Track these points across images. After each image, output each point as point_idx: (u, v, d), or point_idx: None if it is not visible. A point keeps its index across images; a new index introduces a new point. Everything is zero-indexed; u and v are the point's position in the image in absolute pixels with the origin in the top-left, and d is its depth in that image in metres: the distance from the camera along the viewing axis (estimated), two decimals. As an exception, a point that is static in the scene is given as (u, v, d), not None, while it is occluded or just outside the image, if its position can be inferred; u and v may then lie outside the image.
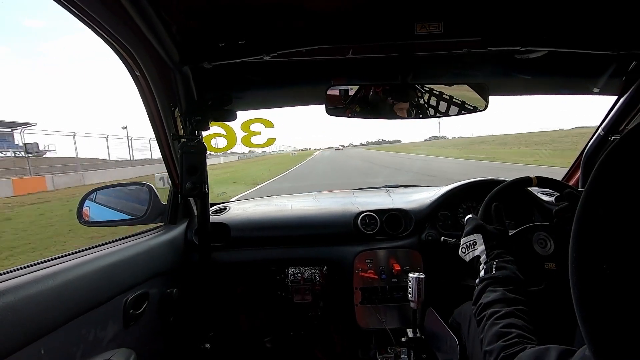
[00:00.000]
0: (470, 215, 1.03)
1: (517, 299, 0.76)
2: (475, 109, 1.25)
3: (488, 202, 1.08)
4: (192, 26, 1.05)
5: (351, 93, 1.26)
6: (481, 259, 0.90)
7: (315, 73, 1.38)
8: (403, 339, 1.41)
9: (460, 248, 0.99)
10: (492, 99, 1.27)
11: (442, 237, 1.39)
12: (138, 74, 1.06)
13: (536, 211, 1.45)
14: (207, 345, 1.38)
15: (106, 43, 0.92)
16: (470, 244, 0.95)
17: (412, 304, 1.31)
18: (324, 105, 1.26)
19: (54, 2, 0.72)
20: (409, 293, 1.31)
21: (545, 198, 1.50)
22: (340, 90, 1.26)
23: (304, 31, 1.09)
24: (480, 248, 0.91)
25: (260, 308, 1.75)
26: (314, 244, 1.51)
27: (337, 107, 1.27)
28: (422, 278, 1.29)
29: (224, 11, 1.01)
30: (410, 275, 1.31)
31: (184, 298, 1.33)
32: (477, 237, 0.93)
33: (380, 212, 1.52)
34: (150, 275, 1.16)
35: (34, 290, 0.72)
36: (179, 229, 1.42)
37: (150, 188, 1.37)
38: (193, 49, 1.09)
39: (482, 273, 0.87)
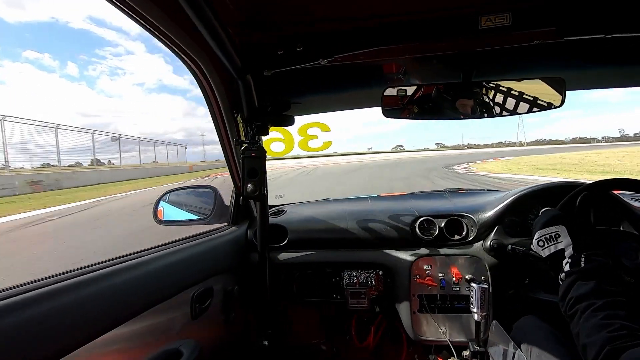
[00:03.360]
0: (547, 208, 0.94)
1: (613, 291, 0.69)
2: (549, 106, 1.14)
3: (574, 195, 0.97)
4: (253, 37, 1.11)
5: (409, 94, 1.23)
6: (566, 253, 0.83)
7: (371, 75, 1.36)
8: (465, 353, 1.33)
9: (536, 241, 0.91)
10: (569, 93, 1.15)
11: (510, 245, 1.29)
12: (204, 83, 1.14)
13: (625, 219, 1.27)
14: (265, 343, 1.43)
15: (176, 55, 1.01)
16: (550, 236, 0.87)
17: (475, 316, 1.24)
18: (380, 107, 1.25)
19: (138, 25, 0.81)
20: (471, 303, 1.24)
21: (638, 204, 1.31)
22: (397, 91, 1.23)
23: (361, 34, 1.08)
24: (565, 241, 0.84)
25: (316, 310, 1.77)
26: (370, 247, 1.49)
27: (394, 109, 1.25)
28: (485, 288, 1.21)
29: (282, 21, 1.05)
30: (473, 284, 1.23)
31: (243, 295, 1.39)
32: (560, 229, 0.86)
33: (439, 217, 1.46)
34: (214, 272, 1.23)
35: (119, 279, 0.81)
36: (241, 230, 1.49)
37: (215, 190, 1.47)
38: (254, 58, 1.15)
39: (567, 267, 0.80)
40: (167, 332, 0.97)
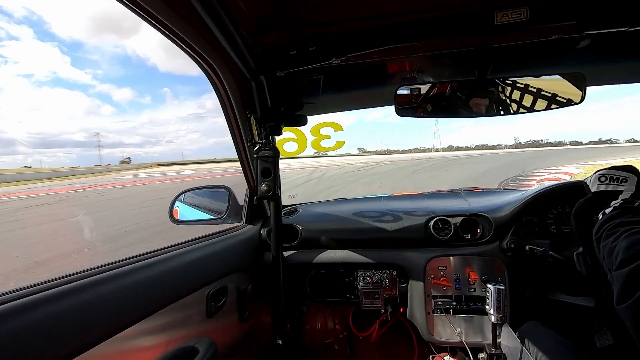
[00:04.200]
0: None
1: None
2: (569, 102, 1.11)
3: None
4: (266, 38, 1.11)
5: (423, 92, 1.22)
6: (621, 196, 0.80)
7: (384, 74, 1.36)
8: (481, 355, 1.30)
9: (597, 175, 0.88)
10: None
11: (528, 246, 1.26)
12: (218, 84, 1.15)
13: None
14: (279, 341, 1.44)
15: (191, 58, 1.02)
16: (617, 177, 0.84)
17: (491, 317, 1.21)
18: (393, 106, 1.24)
19: (154, 29, 0.83)
20: (487, 305, 1.22)
21: None
22: (411, 89, 1.22)
23: (374, 32, 1.07)
24: (629, 187, 0.81)
25: (330, 309, 1.77)
26: (383, 247, 1.48)
27: (408, 107, 1.23)
28: (502, 289, 1.19)
29: (295, 22, 1.05)
30: (489, 285, 1.21)
31: (258, 294, 1.40)
32: (630, 178, 0.83)
33: (454, 216, 1.44)
34: (229, 271, 1.25)
35: (137, 278, 0.83)
36: (254, 229, 1.50)
37: (229, 190, 1.49)
38: (267, 59, 1.15)
39: (614, 204, 0.78)
40: (183, 330, 0.99)
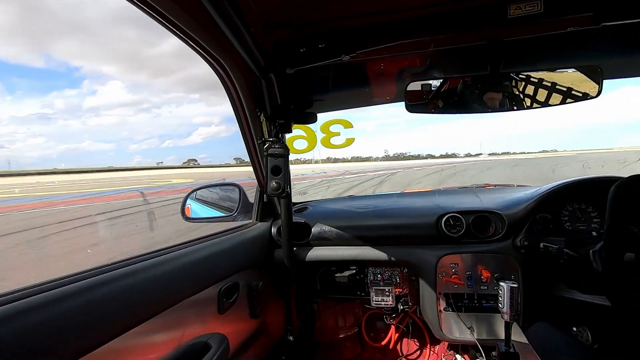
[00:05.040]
0: None
1: None
2: (585, 96, 1.08)
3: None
4: (275, 36, 1.11)
5: (434, 87, 1.20)
6: None
7: (394, 70, 1.34)
8: (493, 353, 1.29)
9: None
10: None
11: (542, 243, 1.24)
12: (228, 83, 1.16)
13: None
14: (291, 338, 1.45)
15: (200, 56, 1.03)
16: None
17: (504, 316, 1.20)
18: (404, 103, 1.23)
19: (165, 29, 0.83)
20: (500, 303, 1.20)
21: None
22: (422, 85, 1.20)
23: (383, 28, 1.06)
24: None
25: (341, 306, 1.78)
26: (394, 244, 1.47)
27: (419, 104, 1.22)
28: (515, 287, 1.17)
29: (304, 19, 1.05)
30: (501, 283, 1.19)
31: (269, 291, 1.42)
32: None
33: (466, 213, 1.42)
34: (240, 268, 1.26)
35: (150, 274, 0.85)
36: (265, 226, 1.51)
37: (240, 188, 1.50)
38: (277, 57, 1.15)
39: None
40: (195, 326, 1.01)
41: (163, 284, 0.88)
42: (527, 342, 1.07)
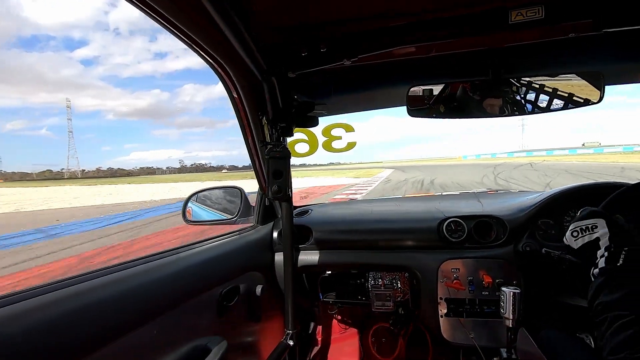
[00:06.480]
0: (587, 207, 0.88)
1: None
2: (586, 102, 1.08)
3: (619, 194, 0.90)
4: (277, 39, 1.12)
5: (435, 92, 1.21)
6: (601, 243, 0.75)
7: (396, 74, 1.35)
8: (495, 359, 1.28)
9: (570, 232, 0.84)
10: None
11: (544, 249, 1.23)
12: (230, 86, 1.17)
13: None
14: (290, 342, 1.44)
15: (202, 59, 1.04)
16: (586, 227, 0.80)
17: (506, 321, 1.19)
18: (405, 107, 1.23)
19: (167, 32, 0.84)
20: (502, 309, 1.20)
21: None
22: (423, 90, 1.21)
23: (385, 33, 1.07)
24: (601, 231, 0.76)
25: (341, 311, 1.77)
26: (395, 249, 1.47)
27: (420, 108, 1.23)
28: (517, 293, 1.17)
29: (306, 22, 1.05)
30: (504, 289, 1.19)
31: (269, 294, 1.41)
32: (599, 222, 0.78)
33: (467, 218, 1.41)
34: (241, 271, 1.26)
35: (151, 277, 0.85)
36: (266, 230, 1.52)
37: (241, 191, 1.50)
38: (278, 60, 1.16)
39: (602, 263, 0.73)
40: (195, 329, 1.00)
41: (163, 286, 0.89)
42: (532, 348, 1.06)
